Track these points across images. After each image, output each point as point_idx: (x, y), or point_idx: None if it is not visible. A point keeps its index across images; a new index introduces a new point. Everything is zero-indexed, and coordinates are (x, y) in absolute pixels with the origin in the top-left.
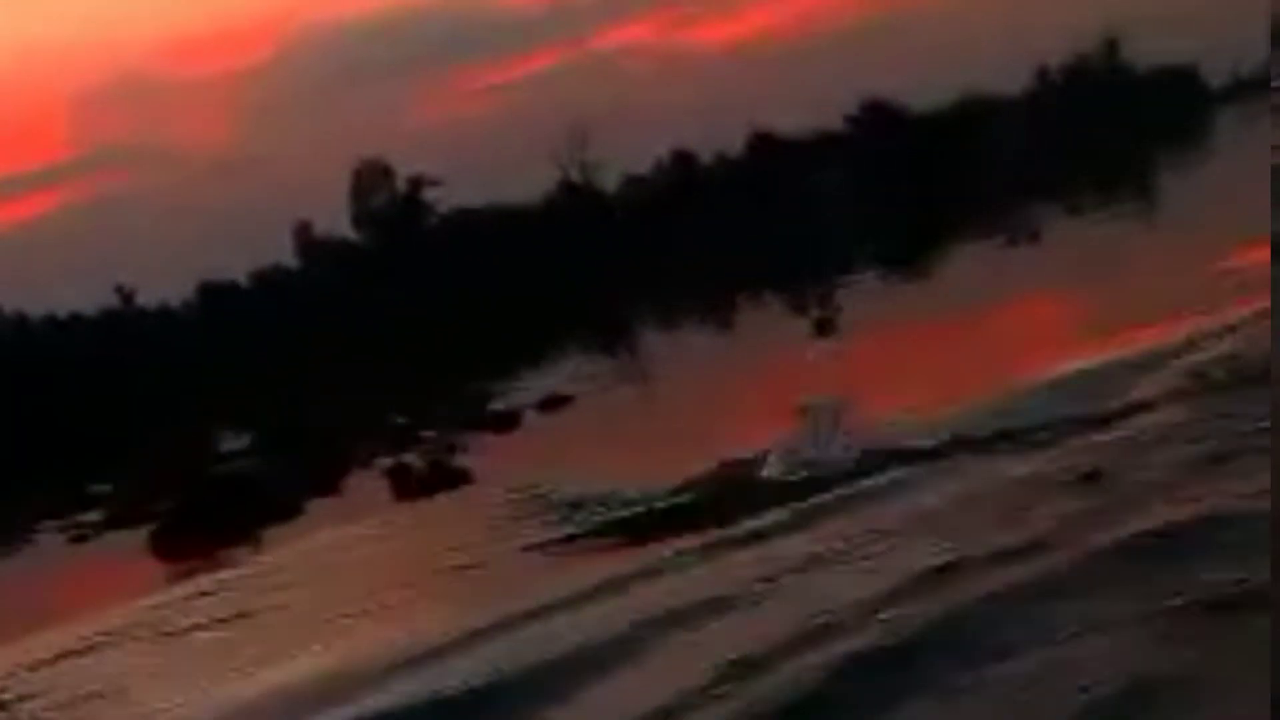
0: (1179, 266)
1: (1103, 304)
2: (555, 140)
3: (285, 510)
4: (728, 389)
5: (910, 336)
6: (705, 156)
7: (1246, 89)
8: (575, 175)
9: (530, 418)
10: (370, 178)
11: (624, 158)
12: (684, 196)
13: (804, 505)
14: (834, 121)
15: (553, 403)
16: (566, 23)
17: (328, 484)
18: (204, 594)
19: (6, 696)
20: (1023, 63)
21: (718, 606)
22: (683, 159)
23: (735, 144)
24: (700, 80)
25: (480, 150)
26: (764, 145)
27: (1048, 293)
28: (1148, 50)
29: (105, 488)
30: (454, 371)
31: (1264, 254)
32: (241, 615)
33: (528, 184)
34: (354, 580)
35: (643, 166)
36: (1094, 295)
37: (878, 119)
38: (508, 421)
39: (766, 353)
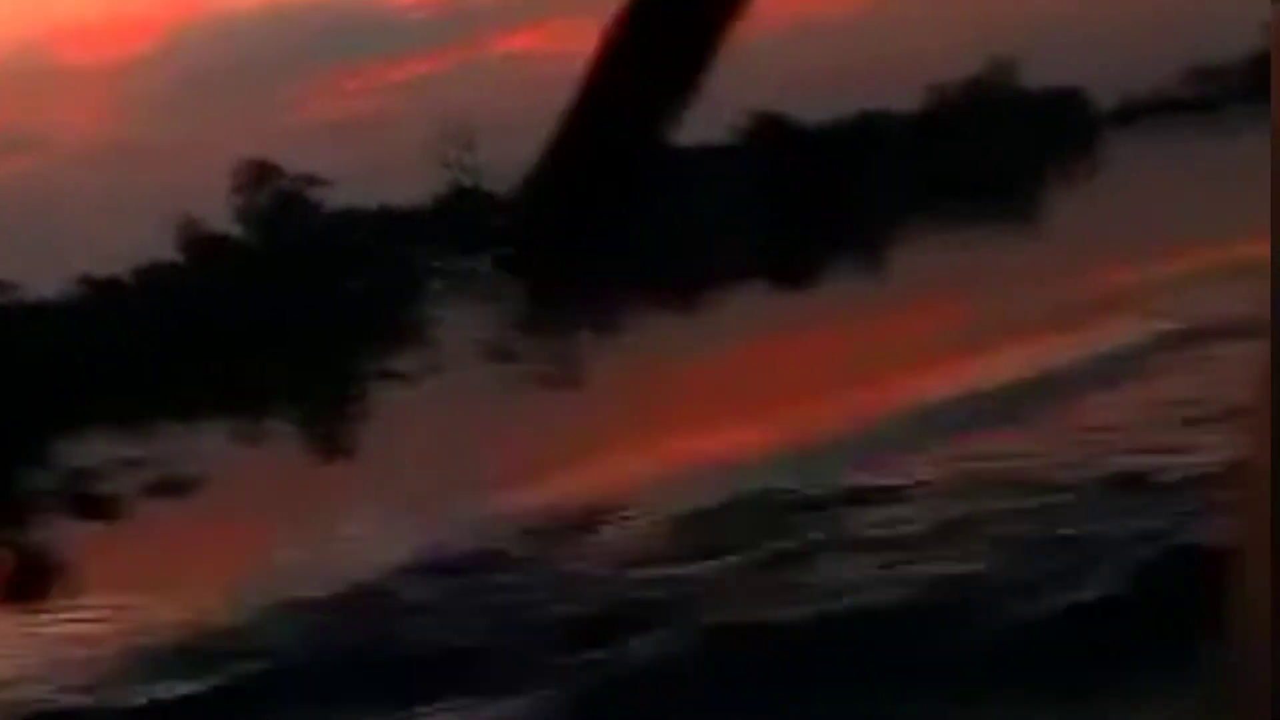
0: (1052, 284)
1: (953, 324)
2: (442, 142)
3: None
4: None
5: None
6: None
7: (1134, 111)
8: (461, 178)
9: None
10: (254, 174)
11: (516, 163)
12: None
13: None
14: (725, 135)
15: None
16: (460, 27)
17: None
18: None
19: None
20: (917, 82)
21: None
22: None
23: None
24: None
25: (369, 150)
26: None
27: (902, 312)
28: (1040, 72)
29: None
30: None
31: (1132, 275)
32: None
33: (418, 185)
34: None
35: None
36: (948, 315)
37: (769, 133)
38: None
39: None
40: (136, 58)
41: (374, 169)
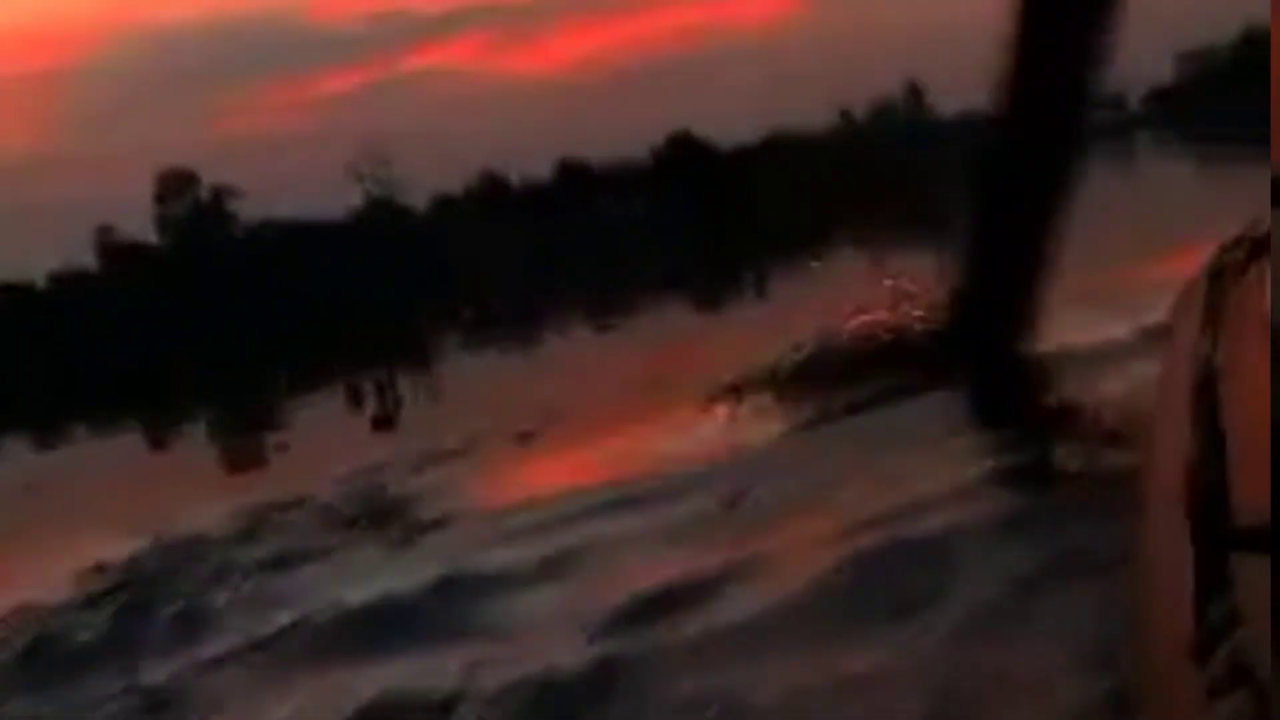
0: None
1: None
2: (358, 157)
3: None
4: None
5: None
6: (514, 180)
7: None
8: (375, 191)
9: None
10: (174, 184)
11: (434, 177)
12: (491, 217)
13: None
14: (640, 153)
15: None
16: (383, 42)
17: None
18: None
19: None
20: (828, 104)
21: None
22: (492, 181)
23: (544, 170)
24: (512, 106)
25: (290, 162)
26: (572, 173)
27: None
28: (950, 98)
29: None
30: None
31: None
32: None
33: (337, 198)
34: None
35: (453, 186)
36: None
37: (683, 152)
38: None
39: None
40: (62, 70)
41: (294, 181)
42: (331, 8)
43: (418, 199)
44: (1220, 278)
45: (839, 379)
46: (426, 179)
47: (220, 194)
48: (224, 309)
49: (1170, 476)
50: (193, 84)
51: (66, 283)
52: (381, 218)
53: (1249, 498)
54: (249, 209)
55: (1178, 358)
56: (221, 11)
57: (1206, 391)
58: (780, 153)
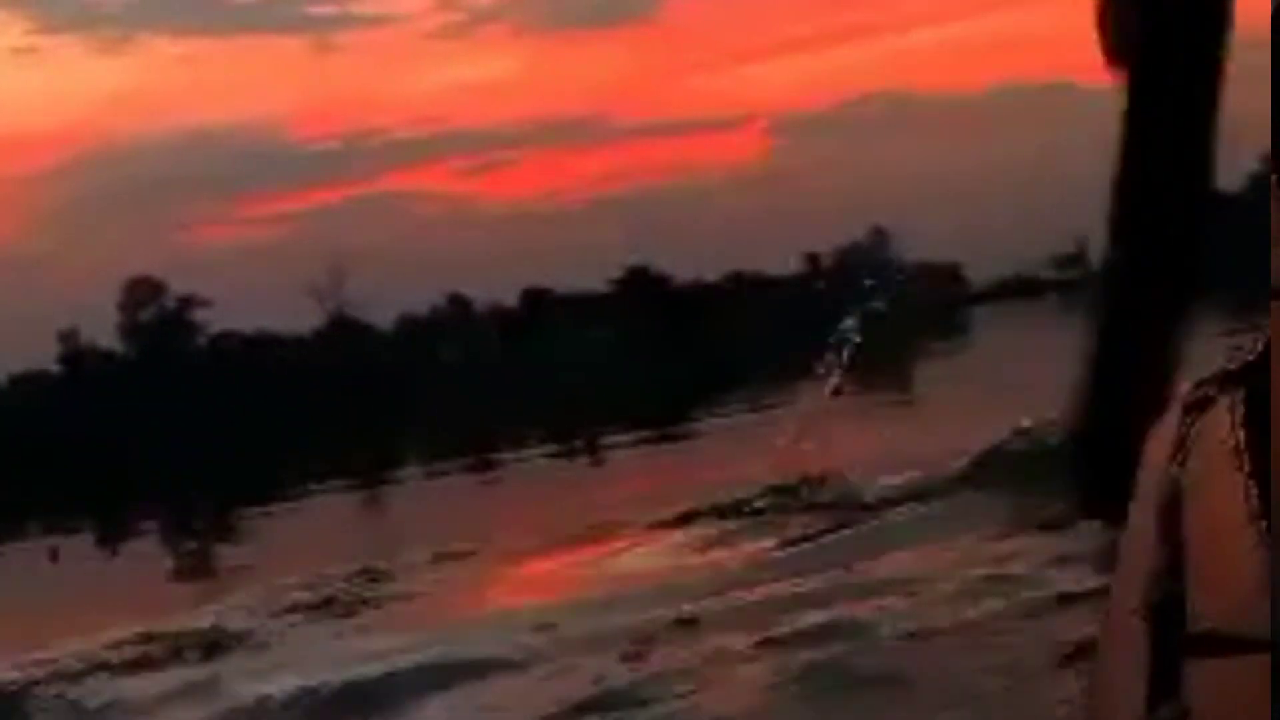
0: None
1: None
2: (317, 272)
3: None
4: None
5: None
6: (479, 304)
7: (1006, 289)
8: (331, 309)
9: None
10: (141, 292)
11: (400, 296)
12: (454, 339)
13: None
14: (601, 284)
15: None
16: (358, 161)
17: None
18: None
19: None
20: (794, 246)
21: None
22: (458, 303)
23: (509, 295)
24: (480, 230)
25: (259, 276)
26: (536, 299)
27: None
28: (915, 244)
29: None
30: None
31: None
32: None
33: (304, 312)
34: None
35: (420, 307)
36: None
37: (641, 286)
38: None
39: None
40: (34, 174)
41: (260, 294)
42: (309, 126)
43: (383, 317)
44: (1192, 409)
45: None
46: (393, 298)
47: (185, 303)
48: (182, 416)
49: (1133, 586)
50: (167, 194)
51: (27, 385)
52: (344, 334)
53: (1206, 607)
54: (215, 319)
55: (1148, 480)
56: (202, 124)
57: (1171, 509)
58: (742, 292)
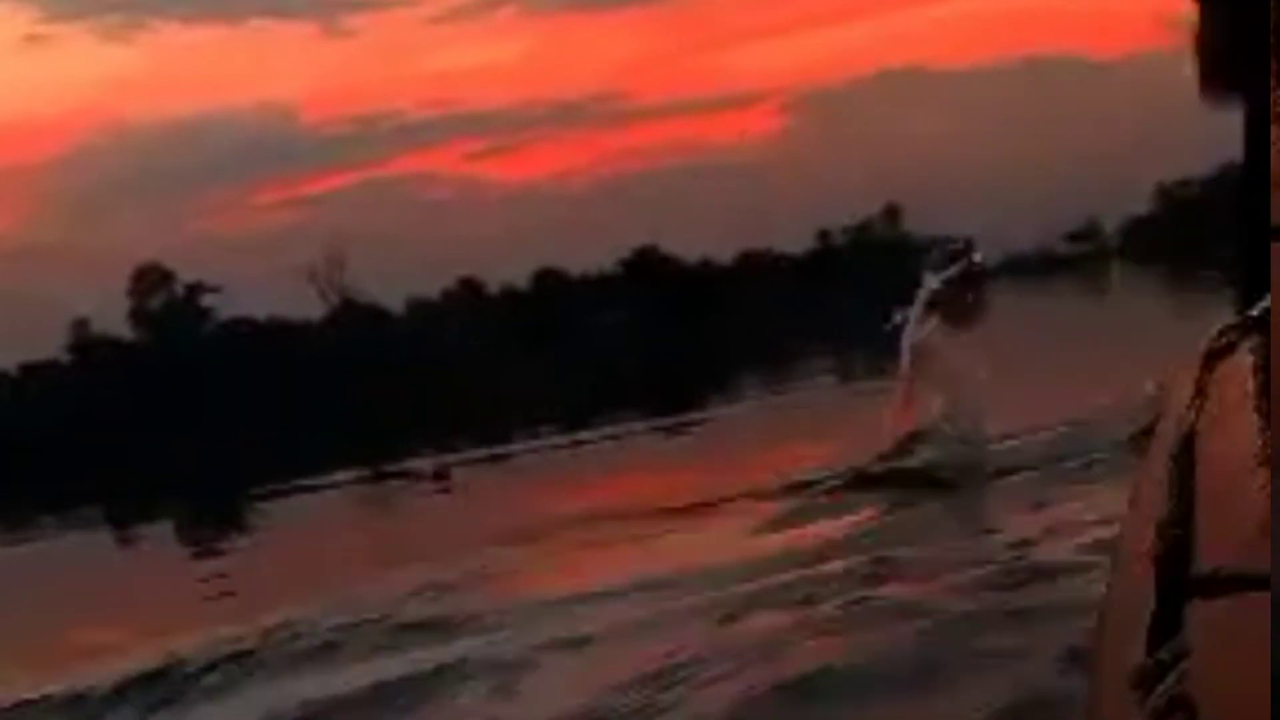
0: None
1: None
2: (317, 258)
3: None
4: None
5: None
6: (492, 286)
7: (1015, 267)
8: (331, 297)
9: None
10: (150, 279)
11: (413, 280)
12: (468, 323)
13: None
14: (612, 265)
15: None
16: (368, 145)
17: None
18: None
19: None
20: (806, 224)
21: None
22: (470, 287)
23: (521, 277)
24: (493, 212)
25: (270, 262)
26: (549, 281)
27: (777, 453)
28: (927, 221)
29: None
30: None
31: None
32: None
33: (313, 299)
34: None
35: (431, 290)
36: (823, 455)
37: (651, 266)
38: None
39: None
40: (43, 162)
41: (271, 280)
42: (319, 110)
43: (395, 302)
44: (1212, 356)
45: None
46: (405, 282)
47: (195, 290)
48: (193, 405)
49: (1143, 530)
50: (177, 180)
51: (39, 374)
52: (357, 320)
53: (1209, 550)
54: (225, 306)
55: (1165, 426)
56: (211, 110)
57: (1184, 455)
58: (754, 271)
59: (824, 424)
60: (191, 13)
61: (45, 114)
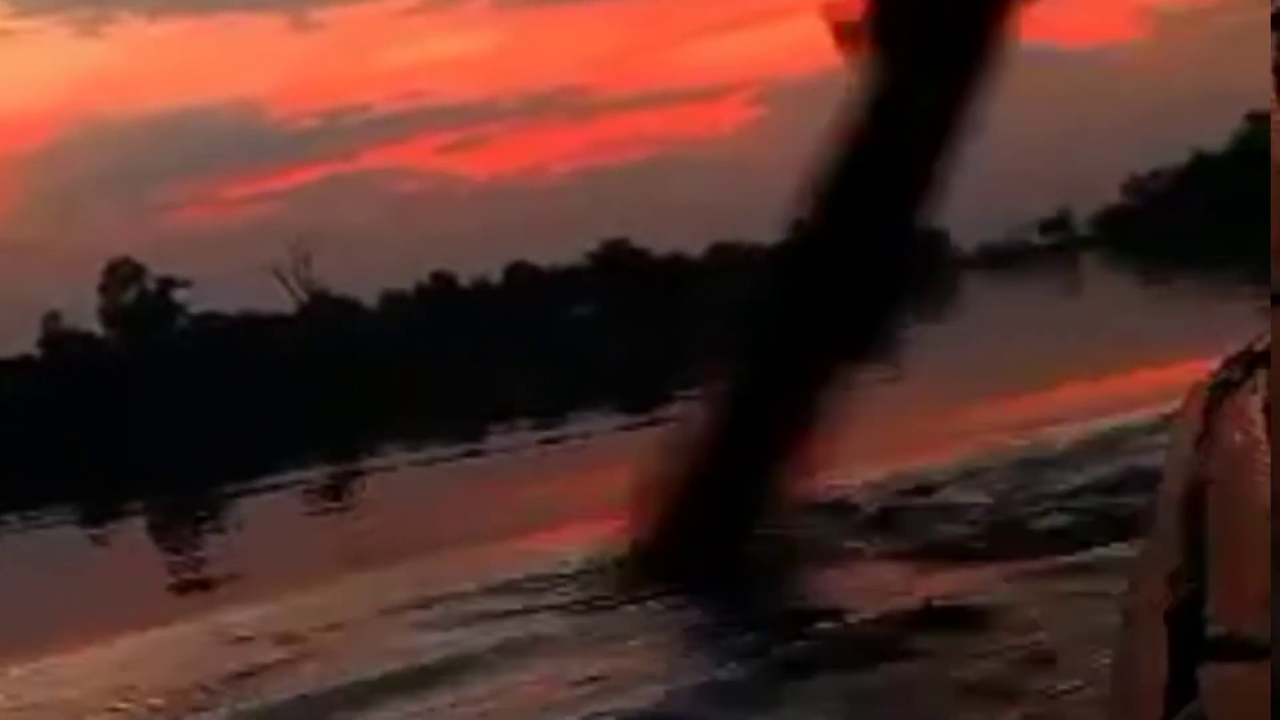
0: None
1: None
2: (284, 253)
3: None
4: None
5: None
6: (463, 280)
7: (990, 256)
8: (297, 291)
9: None
10: (121, 274)
11: (384, 274)
12: (441, 316)
13: None
14: (582, 258)
15: None
16: (339, 139)
17: None
18: None
19: None
20: (780, 216)
21: None
22: (442, 280)
23: (494, 270)
24: (463, 206)
25: (241, 256)
26: (520, 275)
27: None
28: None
29: None
30: None
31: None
32: None
33: (284, 293)
34: None
35: (404, 284)
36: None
37: (620, 259)
38: None
39: None
40: (12, 157)
41: (242, 274)
42: (288, 104)
43: (368, 295)
44: (1217, 392)
45: None
46: (378, 276)
47: (167, 285)
48: (165, 399)
49: (1155, 583)
50: (146, 175)
51: (10, 369)
52: (329, 314)
53: (1221, 609)
54: (197, 300)
55: (1172, 470)
56: (180, 105)
57: (1194, 505)
58: (726, 265)
59: None
60: (159, 7)
61: (11, 110)
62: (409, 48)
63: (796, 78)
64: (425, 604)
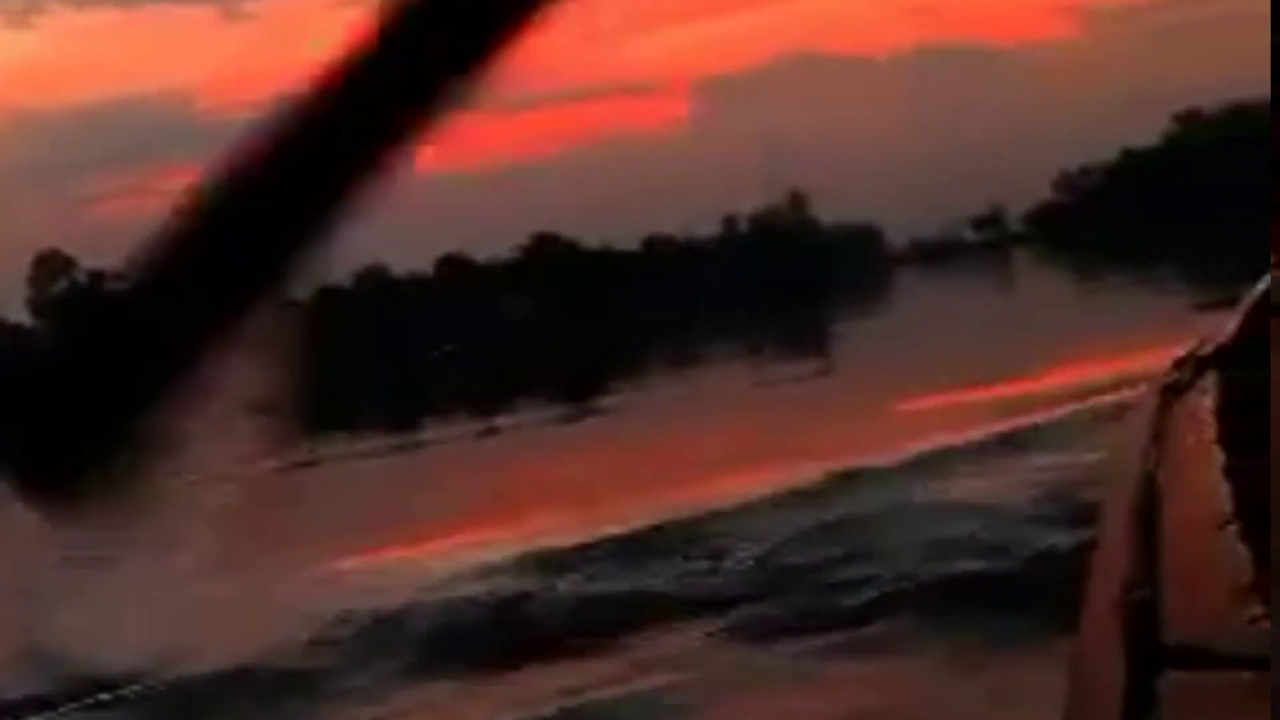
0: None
1: (736, 448)
2: None
3: None
4: None
5: None
6: (397, 272)
7: (923, 252)
8: None
9: None
10: (50, 267)
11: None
12: (374, 309)
13: None
14: (512, 251)
15: None
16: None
17: None
18: None
19: None
20: (713, 209)
21: None
22: (375, 270)
23: (426, 263)
24: (396, 198)
25: None
26: (453, 267)
27: (681, 437)
28: (832, 208)
29: None
30: None
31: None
32: None
33: None
34: None
35: (337, 277)
36: (728, 441)
37: (549, 251)
38: None
39: None
40: None
41: None
42: (218, 96)
43: (300, 288)
44: (1167, 395)
45: None
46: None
47: (97, 278)
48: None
49: (1108, 591)
50: (75, 167)
51: None
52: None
53: (1177, 616)
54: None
55: (1123, 475)
56: (110, 96)
57: (1146, 506)
58: (658, 256)
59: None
60: None
61: None
62: (339, 40)
63: (730, 72)
64: None
